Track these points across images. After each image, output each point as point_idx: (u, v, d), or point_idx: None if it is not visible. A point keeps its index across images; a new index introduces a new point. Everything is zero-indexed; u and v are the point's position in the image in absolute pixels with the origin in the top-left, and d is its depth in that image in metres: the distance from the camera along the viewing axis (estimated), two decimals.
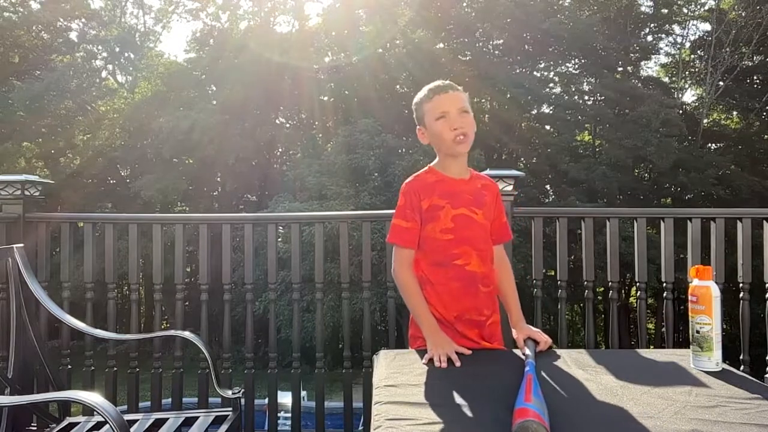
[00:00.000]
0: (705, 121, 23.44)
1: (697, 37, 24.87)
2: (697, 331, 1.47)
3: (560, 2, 24.35)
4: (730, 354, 1.80)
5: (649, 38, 24.78)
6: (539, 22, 21.08)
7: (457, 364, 1.54)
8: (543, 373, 1.44)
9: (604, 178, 19.46)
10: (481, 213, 1.82)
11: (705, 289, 1.46)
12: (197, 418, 2.12)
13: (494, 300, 1.86)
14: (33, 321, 2.25)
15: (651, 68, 27.11)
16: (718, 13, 22.73)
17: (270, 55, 20.48)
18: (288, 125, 25.75)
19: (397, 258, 1.81)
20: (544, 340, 1.72)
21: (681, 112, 22.12)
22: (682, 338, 10.34)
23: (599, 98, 23.25)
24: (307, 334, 12.36)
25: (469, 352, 1.62)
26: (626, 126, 20.42)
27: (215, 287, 2.92)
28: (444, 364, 1.53)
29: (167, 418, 2.14)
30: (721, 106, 25.03)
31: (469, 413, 1.18)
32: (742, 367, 2.58)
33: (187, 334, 2.27)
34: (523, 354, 1.58)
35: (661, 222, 2.83)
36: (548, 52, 22.82)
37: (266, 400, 3.00)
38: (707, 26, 23.88)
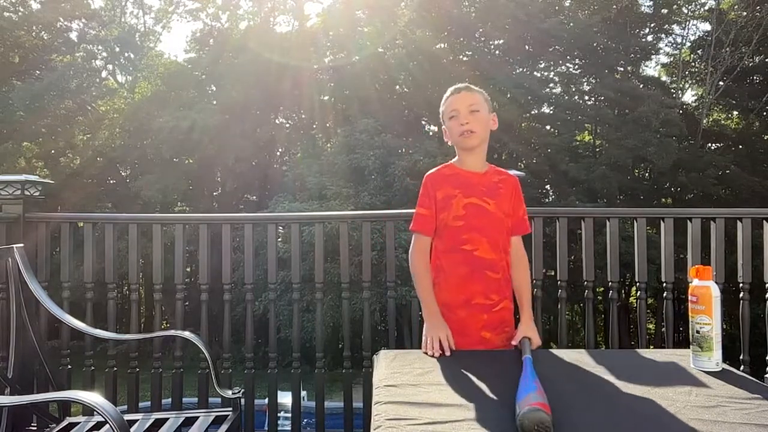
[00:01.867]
0: (705, 121, 23.42)
1: (697, 37, 24.88)
2: (697, 331, 1.47)
3: (560, 2, 24.34)
4: (730, 354, 1.80)
5: (649, 38, 24.77)
6: (539, 22, 21.07)
7: (447, 352, 1.64)
8: (543, 374, 1.44)
9: (604, 178, 19.46)
10: (494, 203, 1.91)
11: (705, 289, 1.46)
12: (197, 418, 2.12)
13: (505, 287, 1.93)
14: (33, 321, 2.25)
15: (651, 68, 27.24)
16: (718, 13, 22.71)
17: (270, 55, 20.48)
18: (288, 125, 25.75)
19: (414, 244, 1.96)
20: (536, 342, 1.79)
21: (681, 112, 22.09)
22: (682, 338, 10.34)
23: (599, 98, 23.24)
24: (307, 334, 12.35)
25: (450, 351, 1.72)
26: (626, 126, 20.41)
27: (215, 287, 2.92)
28: (437, 353, 1.64)
29: (167, 418, 2.14)
30: (721, 106, 25.01)
31: (469, 413, 1.18)
32: (742, 367, 2.58)
33: (187, 334, 2.27)
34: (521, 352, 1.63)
35: (661, 222, 2.82)
36: (548, 52, 22.81)
37: (266, 400, 2.99)
38: (707, 26, 23.89)
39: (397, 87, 22.78)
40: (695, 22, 25.07)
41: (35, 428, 2.45)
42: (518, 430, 1.07)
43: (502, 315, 1.90)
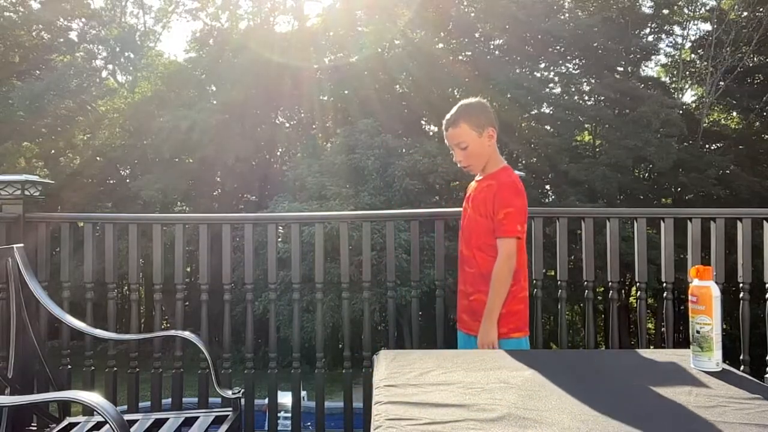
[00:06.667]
0: (705, 121, 23.41)
1: (697, 37, 24.84)
2: (697, 331, 1.47)
3: (561, 3, 24.33)
4: (730, 354, 1.80)
5: (650, 38, 24.74)
6: (540, 22, 21.06)
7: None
8: (543, 374, 1.44)
9: (604, 178, 19.44)
10: (471, 207, 2.17)
11: (705, 289, 1.46)
12: (197, 418, 2.12)
13: (479, 281, 2.10)
14: (33, 321, 2.25)
15: (651, 68, 27.09)
16: (719, 13, 22.70)
17: (270, 55, 20.47)
18: (288, 125, 25.74)
19: None
20: (479, 343, 2.03)
21: (681, 112, 22.06)
22: (682, 338, 10.33)
23: (599, 98, 23.22)
24: (307, 334, 12.36)
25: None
26: (626, 126, 20.40)
27: (215, 287, 2.92)
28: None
29: (167, 418, 2.14)
30: (721, 106, 25.00)
31: (469, 413, 1.18)
32: (742, 367, 2.58)
33: (187, 334, 2.27)
34: None
35: (661, 222, 2.82)
36: (548, 52, 22.78)
37: (266, 400, 3.00)
38: (708, 26, 23.86)
39: (397, 87, 22.76)
40: (696, 22, 25.02)
41: (35, 428, 2.45)
42: None
43: (474, 305, 2.11)
